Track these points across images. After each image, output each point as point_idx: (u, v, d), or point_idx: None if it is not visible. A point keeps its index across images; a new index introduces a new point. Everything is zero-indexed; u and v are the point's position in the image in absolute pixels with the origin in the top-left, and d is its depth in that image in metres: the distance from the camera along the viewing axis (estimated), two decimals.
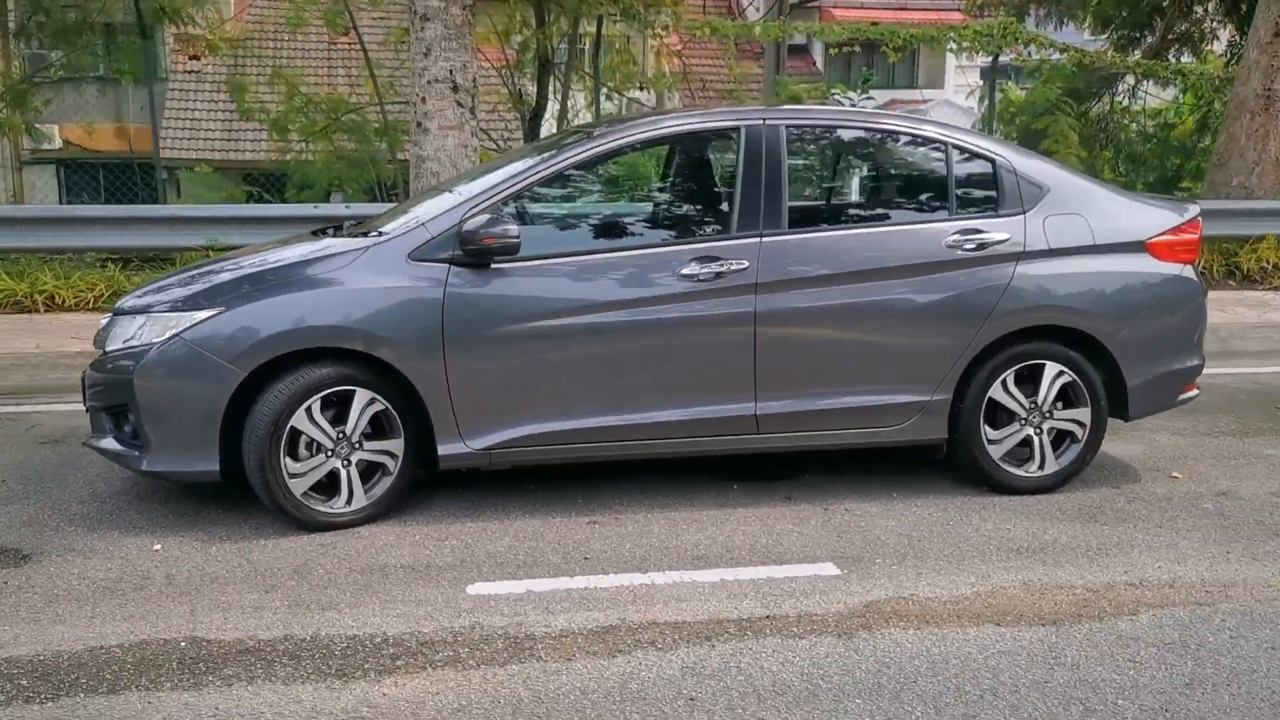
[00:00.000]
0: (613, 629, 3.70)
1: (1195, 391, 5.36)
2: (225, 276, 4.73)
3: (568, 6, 10.44)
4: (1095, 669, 3.43)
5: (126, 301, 4.86)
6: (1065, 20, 16.53)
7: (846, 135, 5.37)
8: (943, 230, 4.94)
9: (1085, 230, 5.05)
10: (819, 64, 28.67)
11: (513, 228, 4.50)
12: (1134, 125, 17.08)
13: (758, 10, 27.32)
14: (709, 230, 5.05)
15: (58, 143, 25.28)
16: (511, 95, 12.14)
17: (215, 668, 3.42)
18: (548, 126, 11.86)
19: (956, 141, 5.10)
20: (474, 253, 4.53)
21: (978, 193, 5.10)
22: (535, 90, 11.60)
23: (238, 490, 4.69)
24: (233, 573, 4.17)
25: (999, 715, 3.17)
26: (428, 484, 5.09)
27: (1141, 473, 5.46)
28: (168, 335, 4.49)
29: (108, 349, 4.70)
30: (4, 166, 25.79)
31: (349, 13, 12.01)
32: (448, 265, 4.57)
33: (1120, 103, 16.92)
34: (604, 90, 11.81)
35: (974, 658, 3.51)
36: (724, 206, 4.90)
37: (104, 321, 4.92)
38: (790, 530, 4.62)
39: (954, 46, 11.25)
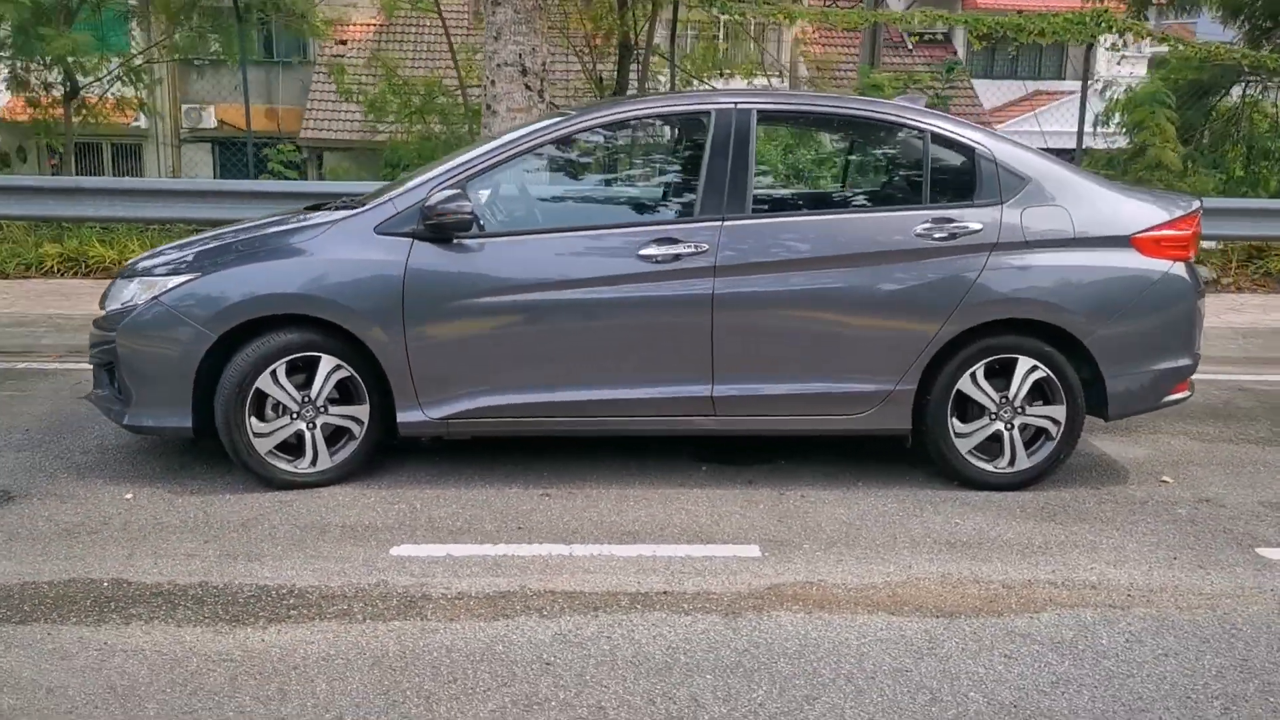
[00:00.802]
0: (508, 595, 3.81)
1: (1185, 393, 5.17)
2: (210, 245, 4.99)
3: None
4: (964, 662, 3.39)
5: (128, 265, 5.18)
6: (1189, 8, 15.75)
7: (822, 121, 5.33)
8: (913, 218, 4.88)
9: (1066, 222, 4.92)
10: (960, 53, 28.00)
11: (466, 204, 4.64)
12: (1266, 121, 16.24)
13: None
14: (672, 213, 5.09)
15: (213, 122, 26.66)
16: (591, 79, 12.30)
17: (123, 607, 3.66)
18: None
19: (935, 129, 5.02)
20: (433, 227, 4.68)
21: (955, 181, 5.02)
22: (616, 74, 11.73)
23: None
24: (185, 523, 4.42)
25: (842, 698, 3.17)
26: (407, 450, 5.28)
27: (1132, 474, 5.29)
28: (149, 298, 4.78)
29: (107, 309, 5.01)
30: (165, 144, 27.33)
31: None
32: (411, 239, 4.73)
33: (1253, 97, 16.11)
34: (685, 75, 11.86)
35: (848, 643, 3.50)
36: (689, 190, 4.94)
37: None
38: (734, 512, 4.65)
39: (1041, 34, 10.89)
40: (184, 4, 12.14)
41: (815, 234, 4.90)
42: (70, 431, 5.63)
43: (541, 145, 4.93)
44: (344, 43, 24.43)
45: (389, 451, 5.18)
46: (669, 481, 5.01)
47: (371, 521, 4.47)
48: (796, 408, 4.91)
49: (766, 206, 5.01)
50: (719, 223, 4.81)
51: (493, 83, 9.99)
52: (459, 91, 13.25)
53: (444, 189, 4.73)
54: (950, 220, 4.87)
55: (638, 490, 4.89)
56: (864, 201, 5.27)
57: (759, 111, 4.98)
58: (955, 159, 5.02)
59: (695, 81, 12.10)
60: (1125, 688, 3.26)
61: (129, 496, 4.71)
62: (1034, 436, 5.00)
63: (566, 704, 3.12)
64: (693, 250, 4.76)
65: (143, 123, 23.54)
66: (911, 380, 4.89)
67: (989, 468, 4.99)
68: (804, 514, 4.66)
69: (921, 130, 5.02)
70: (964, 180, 4.99)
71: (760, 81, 13.28)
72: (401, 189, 4.86)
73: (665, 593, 3.85)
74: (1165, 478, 5.25)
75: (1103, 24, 11.06)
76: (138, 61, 12.04)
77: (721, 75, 12.32)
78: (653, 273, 4.76)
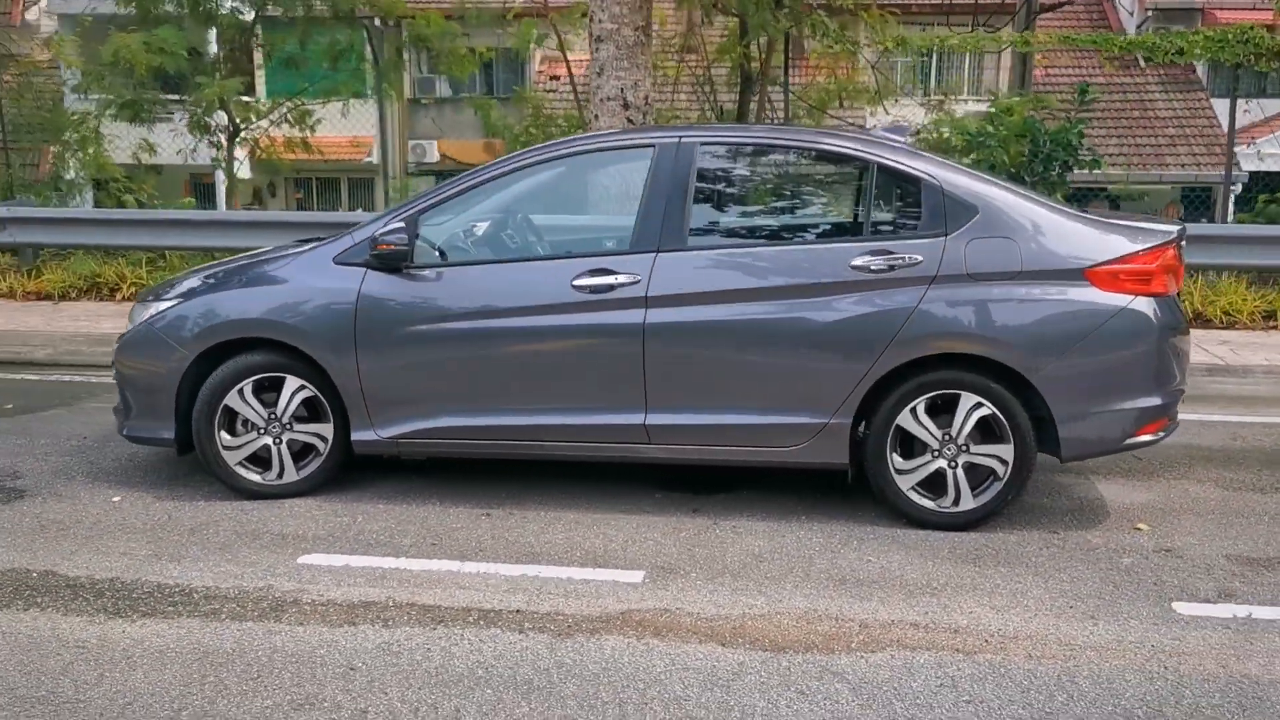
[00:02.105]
0: (369, 605, 4.03)
1: (1154, 435, 4.86)
2: (206, 272, 5.47)
3: (752, 25, 10.56)
4: (750, 695, 3.36)
5: (142, 291, 5.73)
6: None
7: (766, 154, 5.32)
8: (850, 250, 4.82)
9: (1012, 255, 4.74)
10: (1199, 72, 26.48)
11: (404, 236, 4.91)
12: None
13: (1131, 14, 25.77)
14: (610, 244, 5.20)
15: (436, 156, 28.33)
16: (712, 110, 12.40)
17: (32, 595, 4.09)
18: None
19: (881, 160, 4.93)
20: (376, 257, 4.98)
21: (899, 213, 4.93)
22: (738, 106, 11.81)
23: None
24: (144, 524, 4.87)
25: (583, 712, 3.23)
26: (394, 467, 5.58)
27: (1108, 519, 5.00)
28: (143, 320, 5.29)
29: (125, 331, 5.57)
30: (394, 178, 29.26)
31: (556, 34, 12.79)
32: (364, 269, 5.05)
33: None
34: (804, 107, 11.81)
35: (650, 670, 3.53)
36: (629, 222, 5.04)
37: None
38: (650, 539, 4.71)
39: (1180, 52, 10.18)
40: (340, 50, 13.07)
41: (747, 266, 4.91)
42: (116, 442, 6.22)
43: (489, 181, 5.16)
44: (556, 78, 25.48)
45: (382, 467, 5.49)
46: (612, 507, 5.11)
47: (304, 531, 4.78)
48: (731, 439, 4.93)
49: (711, 238, 5.04)
50: (653, 254, 4.90)
51: (596, 117, 10.32)
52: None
53: (394, 221, 5.02)
54: (889, 252, 4.78)
55: (574, 514, 5.02)
56: (802, 233, 5.23)
57: (700, 145, 5.04)
58: (901, 190, 4.93)
59: (818, 114, 12.01)
60: None
61: (116, 499, 5.21)
62: (980, 475, 4.82)
63: (336, 706, 3.30)
64: (626, 281, 4.86)
65: (374, 158, 25.41)
66: (846, 414, 4.82)
67: (932, 506, 4.84)
68: (720, 544, 4.66)
69: (866, 161, 4.96)
70: (909, 211, 4.89)
71: (905, 111, 12.99)
72: (365, 222, 5.19)
73: (517, 611, 3.98)
74: (1141, 525, 4.94)
75: (1250, 44, 10.31)
76: (286, 106, 13.09)
77: (841, 106, 12.21)
78: (587, 302, 4.89)
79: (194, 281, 5.40)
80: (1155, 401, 4.80)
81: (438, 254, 5.09)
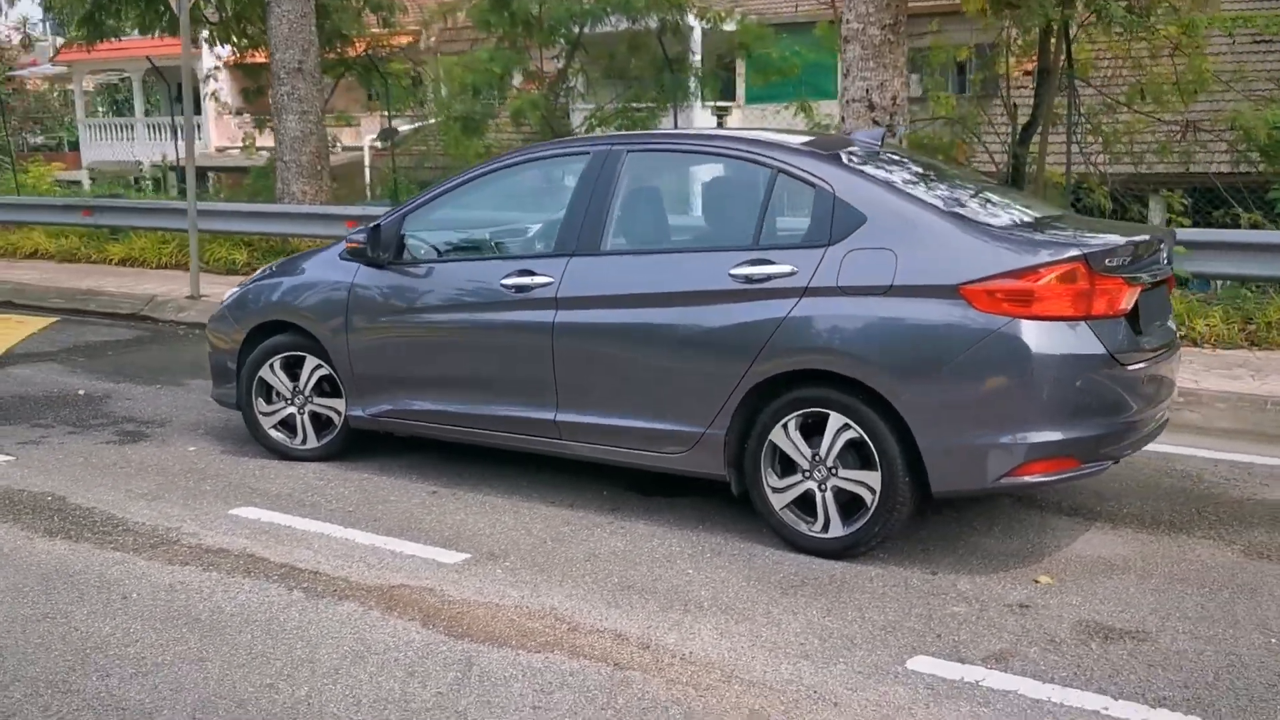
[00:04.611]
0: (218, 552, 4.69)
1: (1047, 475, 4.32)
2: (277, 262, 6.43)
3: (1024, 13, 9.67)
4: (378, 667, 3.64)
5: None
6: None
7: (686, 161, 5.27)
8: (733, 259, 4.73)
9: (887, 268, 4.42)
10: None
11: (364, 237, 5.51)
12: None
13: None
14: (539, 246, 5.42)
15: None
16: (1006, 107, 11.47)
17: (21, 513, 5.20)
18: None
19: (783, 166, 4.77)
20: (350, 254, 5.64)
21: (790, 221, 4.76)
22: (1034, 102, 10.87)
23: None
24: (178, 470, 5.88)
25: (218, 649, 3.67)
26: (412, 445, 6.21)
27: (1015, 566, 4.50)
28: (225, 300, 6.35)
29: None
30: None
31: None
32: (358, 264, 5.73)
33: None
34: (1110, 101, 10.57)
35: (329, 632, 3.89)
36: (556, 226, 5.26)
37: None
38: (518, 527, 4.97)
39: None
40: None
41: (644, 271, 4.98)
42: None
43: (461, 186, 5.61)
44: (1028, 72, 24.66)
45: (404, 444, 6.10)
46: (545, 499, 5.36)
47: (268, 489, 5.54)
48: (625, 441, 5.03)
49: (623, 242, 5.14)
50: (568, 258, 5.12)
51: (843, 120, 10.21)
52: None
53: (385, 222, 5.64)
54: (767, 262, 4.65)
55: (502, 500, 5.36)
56: (704, 240, 5.12)
57: (627, 152, 5.16)
58: (797, 196, 4.76)
59: (1118, 112, 10.70)
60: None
61: (191, 450, 6.31)
62: (854, 502, 4.55)
63: (71, 619, 4.02)
64: (542, 282, 5.13)
65: None
66: (721, 425, 4.75)
67: (804, 529, 4.65)
68: (579, 542, 4.82)
69: (770, 166, 4.81)
70: (800, 219, 4.71)
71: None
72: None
73: (314, 572, 4.47)
74: (1043, 578, 4.40)
75: None
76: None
77: (1143, 99, 10.72)
78: (512, 301, 5.22)
79: (268, 268, 6.38)
80: (1050, 437, 4.27)
81: (415, 252, 5.63)
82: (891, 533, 4.52)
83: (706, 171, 5.25)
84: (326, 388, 5.96)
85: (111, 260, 14.22)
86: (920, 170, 5.11)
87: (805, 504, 4.64)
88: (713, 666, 3.67)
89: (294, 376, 5.99)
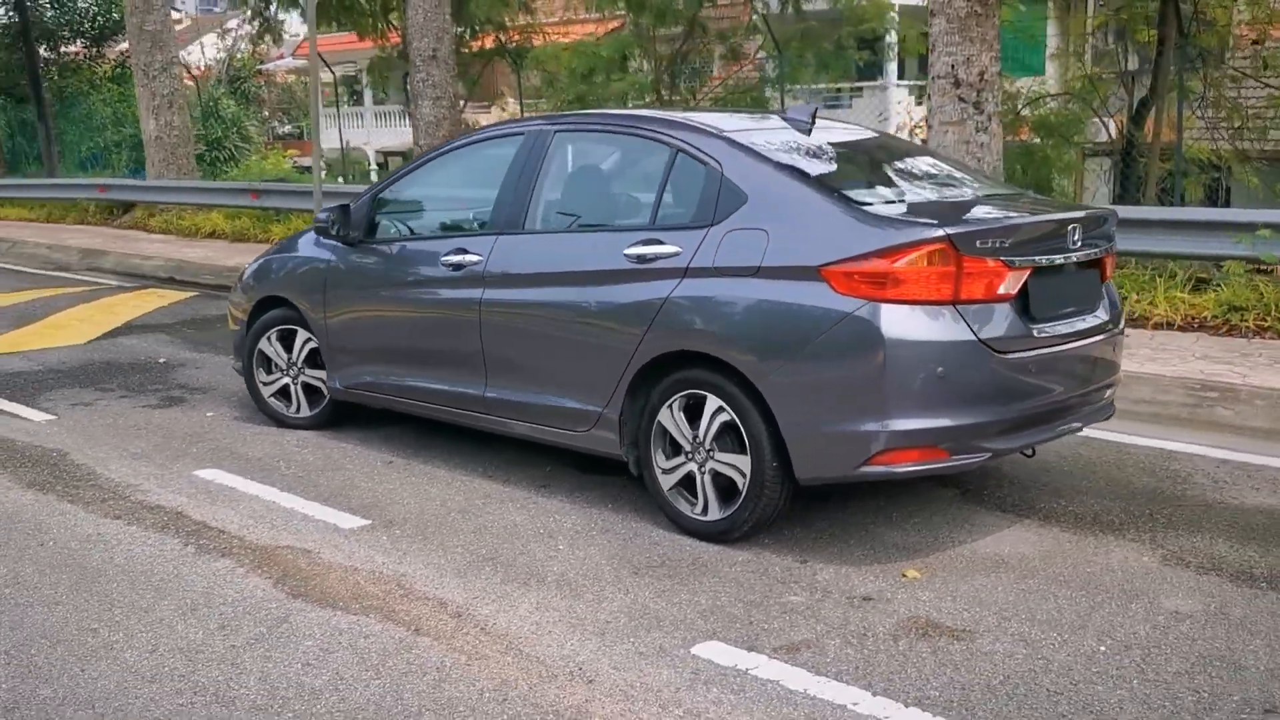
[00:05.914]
0: (154, 508, 5.05)
1: (911, 466, 4.16)
2: (286, 238, 6.80)
3: None
4: (205, 619, 3.88)
5: None
6: None
7: (605, 141, 5.23)
8: (628, 239, 4.74)
9: (758, 249, 4.33)
10: None
11: (326, 215, 5.77)
12: None
13: None
14: (475, 226, 5.52)
15: None
16: (1123, 82, 10.63)
17: (19, 464, 5.73)
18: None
19: (683, 145, 4.72)
20: (318, 232, 5.93)
21: (685, 199, 4.70)
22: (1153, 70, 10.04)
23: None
24: (182, 433, 6.32)
25: (126, 598, 3.99)
26: (403, 417, 6.46)
27: (893, 560, 4.34)
28: (242, 275, 6.77)
29: None
30: None
31: None
32: (337, 242, 6.00)
33: None
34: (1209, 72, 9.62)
35: (203, 591, 4.17)
36: (489, 206, 5.37)
37: None
38: (438, 499, 5.13)
39: None
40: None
41: (556, 250, 5.04)
42: None
43: (423, 165, 5.80)
44: (1258, 42, 23.15)
45: (401, 416, 6.29)
46: (486, 473, 5.49)
47: (242, 452, 5.91)
48: (541, 418, 5.11)
49: (546, 221, 5.19)
50: (495, 237, 5.23)
51: (929, 96, 9.83)
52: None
53: (357, 201, 5.90)
54: (656, 243, 4.64)
55: (445, 473, 5.53)
56: (611, 220, 5.07)
57: (555, 132, 5.21)
58: (692, 175, 4.69)
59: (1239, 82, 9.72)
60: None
61: (209, 415, 6.77)
62: (731, 486, 4.48)
63: None
64: (473, 260, 5.27)
65: None
66: (616, 405, 4.77)
67: (687, 511, 4.62)
68: (482, 515, 4.94)
69: (670, 145, 4.77)
70: (691, 199, 4.66)
71: None
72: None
73: (220, 531, 4.77)
74: (910, 572, 4.22)
75: None
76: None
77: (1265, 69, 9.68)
78: (449, 278, 5.39)
79: (277, 245, 6.76)
80: (912, 426, 4.09)
81: (384, 232, 5.85)
82: (764, 518, 4.43)
83: (622, 151, 5.24)
84: (318, 360, 6.27)
85: (272, 240, 15.20)
86: (837, 147, 4.94)
87: (690, 485, 4.60)
88: (502, 638, 3.73)
89: (289, 348, 6.33)
